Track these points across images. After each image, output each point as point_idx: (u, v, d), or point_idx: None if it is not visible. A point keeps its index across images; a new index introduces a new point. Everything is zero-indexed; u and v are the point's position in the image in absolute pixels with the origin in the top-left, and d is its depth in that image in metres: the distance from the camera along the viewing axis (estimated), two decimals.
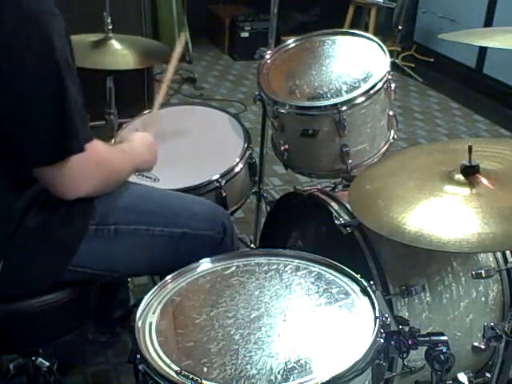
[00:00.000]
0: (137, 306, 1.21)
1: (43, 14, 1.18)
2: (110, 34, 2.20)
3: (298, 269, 1.32)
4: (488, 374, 1.57)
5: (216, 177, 1.89)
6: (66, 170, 1.26)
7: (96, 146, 1.31)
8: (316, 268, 1.32)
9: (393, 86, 1.88)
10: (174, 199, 1.62)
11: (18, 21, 1.16)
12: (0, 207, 1.31)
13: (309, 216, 1.89)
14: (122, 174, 1.46)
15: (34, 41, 1.17)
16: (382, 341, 1.11)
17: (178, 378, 1.04)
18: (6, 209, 1.31)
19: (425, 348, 1.24)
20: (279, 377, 1.04)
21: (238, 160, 1.97)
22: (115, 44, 2.20)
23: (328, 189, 1.91)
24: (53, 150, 1.24)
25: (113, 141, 1.91)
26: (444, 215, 1.21)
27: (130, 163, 1.50)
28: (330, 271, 1.30)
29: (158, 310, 1.21)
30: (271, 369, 1.05)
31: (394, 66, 2.02)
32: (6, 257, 1.31)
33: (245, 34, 5.11)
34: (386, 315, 1.17)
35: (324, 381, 1.02)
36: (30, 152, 1.25)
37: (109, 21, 2.19)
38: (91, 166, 1.31)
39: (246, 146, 2.03)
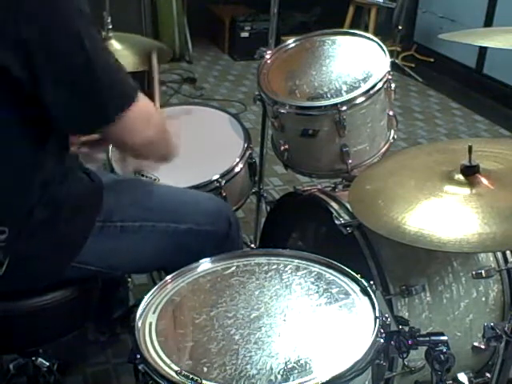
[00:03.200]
0: (137, 306, 1.21)
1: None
2: (110, 34, 2.20)
3: (298, 269, 1.32)
4: (488, 374, 1.58)
5: (216, 177, 1.89)
6: (125, 122, 1.27)
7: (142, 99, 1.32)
8: (316, 268, 1.32)
9: (393, 86, 1.88)
10: (179, 195, 1.62)
11: (48, 16, 1.16)
12: (9, 204, 1.31)
13: (309, 216, 1.88)
14: (167, 139, 1.46)
15: (58, 20, 1.18)
16: (381, 341, 1.11)
17: (177, 377, 1.04)
18: (15, 206, 1.31)
19: (425, 348, 1.24)
20: (279, 377, 1.04)
21: (238, 160, 1.97)
22: (115, 44, 2.19)
23: (328, 189, 1.91)
24: (107, 110, 1.26)
25: None
26: (444, 215, 1.21)
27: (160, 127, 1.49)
28: (330, 271, 1.30)
29: (158, 310, 1.21)
30: (271, 369, 1.05)
31: (394, 66, 2.02)
32: (12, 252, 1.31)
33: (245, 34, 5.11)
34: (386, 315, 1.17)
35: (324, 381, 1.01)
36: (88, 117, 1.27)
37: (109, 20, 2.19)
38: (145, 113, 1.34)
39: (245, 146, 2.03)
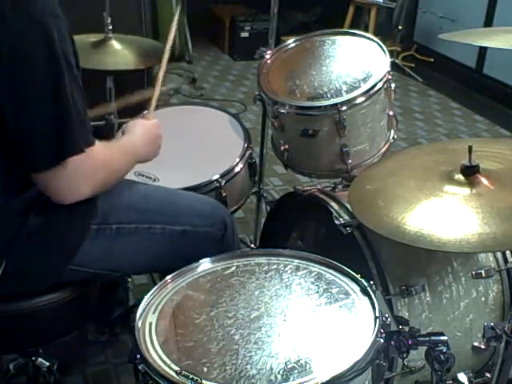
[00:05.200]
0: (137, 306, 1.21)
1: (46, 15, 1.18)
2: (110, 34, 2.20)
3: (298, 269, 1.32)
4: (488, 374, 1.58)
5: (216, 177, 1.89)
6: (63, 175, 1.24)
7: (95, 151, 1.28)
8: (316, 268, 1.32)
9: (393, 86, 1.88)
10: (175, 197, 1.62)
11: (22, 23, 1.16)
12: (1, 207, 1.31)
13: (309, 216, 1.88)
14: (122, 173, 1.44)
15: (36, 43, 1.17)
16: (381, 341, 1.11)
17: (177, 377, 1.04)
18: (8, 209, 1.31)
19: (425, 348, 1.24)
20: (279, 377, 1.04)
21: (238, 160, 1.97)
22: (115, 44, 2.20)
23: (328, 189, 1.91)
24: (49, 152, 1.22)
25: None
26: (444, 215, 1.21)
27: (131, 160, 1.48)
28: (330, 271, 1.30)
29: (158, 310, 1.21)
30: (271, 369, 1.05)
31: (394, 66, 2.02)
32: (8, 256, 1.31)
33: (245, 34, 5.11)
34: (386, 315, 1.17)
35: (324, 381, 1.01)
36: (27, 155, 1.23)
37: (109, 21, 2.19)
38: (89, 170, 1.28)
39: (246, 146, 2.03)
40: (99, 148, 1.30)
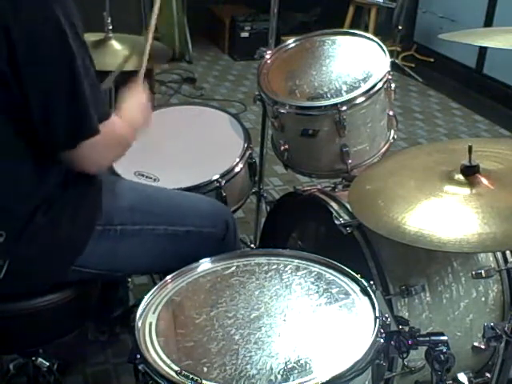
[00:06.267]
0: (137, 306, 1.21)
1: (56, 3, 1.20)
2: (110, 34, 2.20)
3: (298, 269, 1.32)
4: (488, 374, 1.58)
5: (216, 177, 1.89)
6: (87, 149, 1.30)
7: (113, 123, 1.34)
8: (316, 268, 1.32)
9: (393, 86, 1.88)
10: (179, 198, 1.63)
11: (35, 12, 1.18)
12: (8, 207, 1.31)
13: (309, 216, 1.88)
14: (129, 144, 1.48)
15: (47, 29, 1.19)
16: (381, 341, 1.11)
17: (177, 377, 1.04)
18: (15, 209, 1.31)
19: (425, 348, 1.24)
20: (279, 377, 1.04)
21: (238, 160, 1.97)
22: (115, 44, 2.19)
23: (328, 189, 1.91)
24: (69, 136, 1.27)
25: None
26: (444, 215, 1.21)
27: (134, 130, 1.51)
28: (330, 271, 1.30)
29: (158, 310, 1.21)
30: (271, 369, 1.05)
31: (394, 66, 2.02)
32: (11, 255, 1.31)
33: (245, 34, 5.11)
34: (386, 315, 1.17)
35: (324, 381, 1.02)
36: (49, 138, 1.27)
37: (109, 21, 2.19)
38: (111, 141, 1.36)
39: (246, 146, 2.03)
40: (115, 120, 1.36)
